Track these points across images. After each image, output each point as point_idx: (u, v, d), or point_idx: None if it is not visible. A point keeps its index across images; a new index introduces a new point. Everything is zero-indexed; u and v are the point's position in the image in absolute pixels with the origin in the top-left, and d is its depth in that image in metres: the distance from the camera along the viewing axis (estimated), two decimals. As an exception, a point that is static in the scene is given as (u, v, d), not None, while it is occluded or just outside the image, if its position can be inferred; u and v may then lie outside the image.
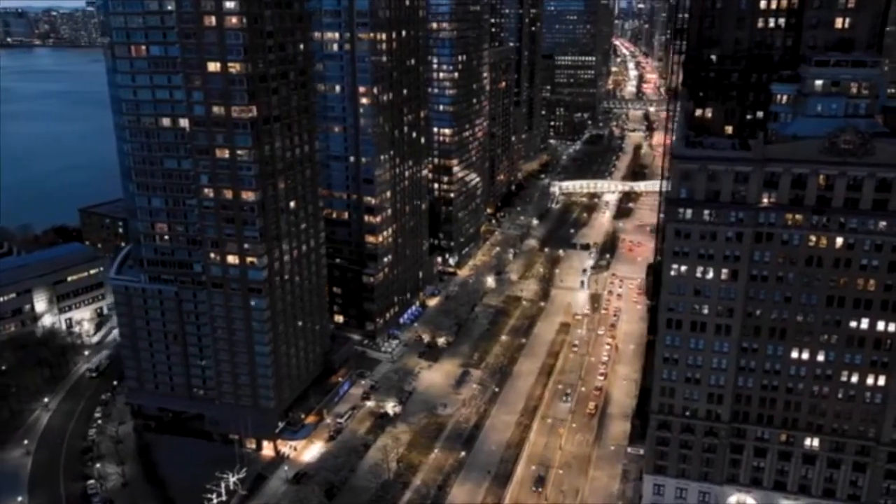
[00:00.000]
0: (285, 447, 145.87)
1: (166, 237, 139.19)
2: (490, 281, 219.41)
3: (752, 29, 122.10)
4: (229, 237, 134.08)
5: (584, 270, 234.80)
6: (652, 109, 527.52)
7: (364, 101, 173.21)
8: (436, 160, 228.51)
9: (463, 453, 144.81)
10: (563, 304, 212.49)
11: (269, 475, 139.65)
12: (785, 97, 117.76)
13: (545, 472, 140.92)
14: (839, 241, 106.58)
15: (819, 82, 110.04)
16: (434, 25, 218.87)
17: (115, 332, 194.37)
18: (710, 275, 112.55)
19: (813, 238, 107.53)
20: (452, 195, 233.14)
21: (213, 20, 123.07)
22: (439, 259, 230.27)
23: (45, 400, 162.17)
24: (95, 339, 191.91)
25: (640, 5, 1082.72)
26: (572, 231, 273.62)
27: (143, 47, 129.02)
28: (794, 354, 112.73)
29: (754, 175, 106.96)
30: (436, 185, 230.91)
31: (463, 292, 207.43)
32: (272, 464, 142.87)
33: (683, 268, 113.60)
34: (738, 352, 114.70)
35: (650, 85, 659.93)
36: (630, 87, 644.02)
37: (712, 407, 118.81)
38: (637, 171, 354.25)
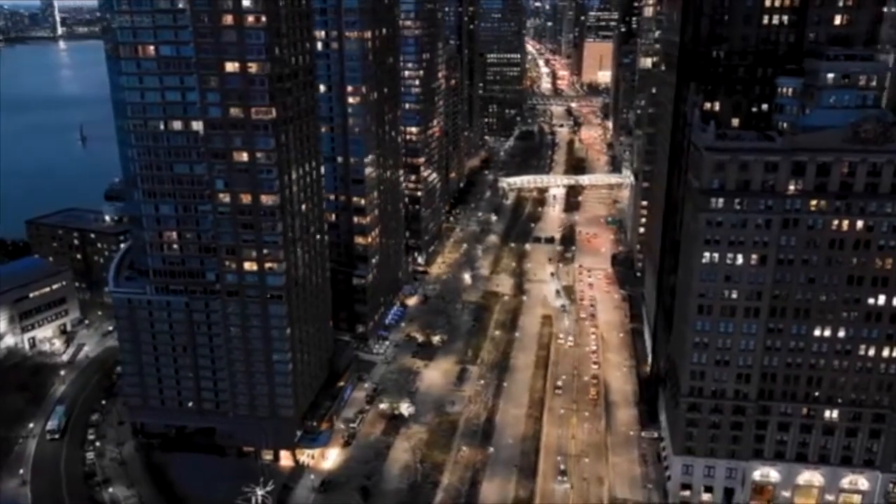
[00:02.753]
0: (303, 456, 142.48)
1: (175, 245, 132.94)
2: (467, 278, 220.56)
3: (759, 26, 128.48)
4: (247, 243, 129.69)
5: (553, 263, 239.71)
6: (574, 105, 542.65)
7: (352, 100, 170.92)
8: (403, 159, 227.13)
9: (486, 449, 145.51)
10: (540, 296, 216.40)
11: (293, 486, 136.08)
12: (790, 90, 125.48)
13: (565, 461, 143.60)
14: (860, 223, 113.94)
15: (831, 75, 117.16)
16: (400, 23, 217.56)
17: (86, 349, 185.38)
18: (740, 260, 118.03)
19: (836, 222, 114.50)
20: (419, 193, 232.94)
21: (231, 19, 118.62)
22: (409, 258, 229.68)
23: (31, 425, 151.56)
24: (65, 357, 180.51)
25: (537, 3, 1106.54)
26: (532, 225, 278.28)
27: (152, 47, 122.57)
28: (817, 332, 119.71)
29: (783, 164, 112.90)
30: (402, 184, 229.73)
31: (446, 290, 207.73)
32: (293, 474, 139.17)
33: (715, 255, 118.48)
34: (765, 333, 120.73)
35: (564, 81, 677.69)
36: (546, 84, 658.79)
37: (740, 386, 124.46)
38: (576, 166, 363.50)
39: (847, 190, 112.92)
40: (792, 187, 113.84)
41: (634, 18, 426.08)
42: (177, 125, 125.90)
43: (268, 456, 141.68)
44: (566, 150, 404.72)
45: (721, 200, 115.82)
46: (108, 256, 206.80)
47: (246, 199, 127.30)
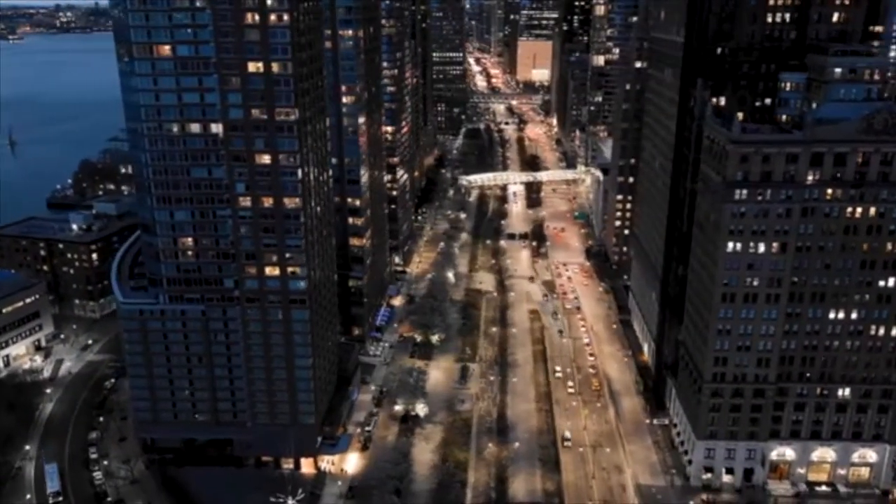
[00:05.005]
0: (323, 462, 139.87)
1: (190, 252, 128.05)
2: (451, 276, 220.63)
3: (763, 24, 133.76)
4: (269, 248, 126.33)
5: (531, 259, 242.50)
6: (514, 102, 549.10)
7: (346, 99, 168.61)
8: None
9: (508, 445, 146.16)
10: (524, 292, 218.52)
11: (319, 493, 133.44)
12: (793, 85, 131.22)
13: (582, 452, 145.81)
14: (872, 210, 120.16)
15: (839, 70, 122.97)
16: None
17: (67, 364, 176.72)
18: (762, 249, 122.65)
19: (850, 209, 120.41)
20: (395, 193, 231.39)
21: (254, 17, 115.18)
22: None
23: (27, 448, 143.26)
24: (46, 373, 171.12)
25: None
26: (501, 222, 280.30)
27: (168, 47, 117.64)
28: (832, 315, 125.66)
29: (803, 155, 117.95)
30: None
31: (434, 289, 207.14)
32: (316, 481, 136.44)
33: (738, 245, 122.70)
34: (784, 317, 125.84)
35: (499, 80, 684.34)
36: (481, 83, 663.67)
37: (760, 370, 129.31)
38: (530, 163, 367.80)
39: (861, 179, 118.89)
40: (810, 177, 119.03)
41: (576, 17, 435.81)
42: (194, 128, 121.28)
43: (287, 464, 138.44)
44: (517, 147, 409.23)
45: (744, 192, 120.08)
46: (79, 267, 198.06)
47: (268, 202, 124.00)
